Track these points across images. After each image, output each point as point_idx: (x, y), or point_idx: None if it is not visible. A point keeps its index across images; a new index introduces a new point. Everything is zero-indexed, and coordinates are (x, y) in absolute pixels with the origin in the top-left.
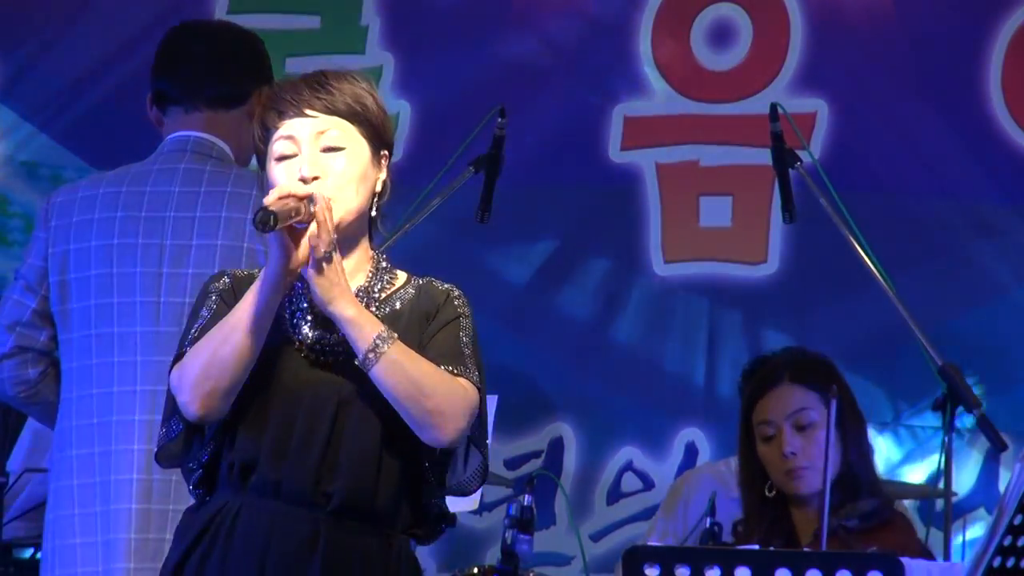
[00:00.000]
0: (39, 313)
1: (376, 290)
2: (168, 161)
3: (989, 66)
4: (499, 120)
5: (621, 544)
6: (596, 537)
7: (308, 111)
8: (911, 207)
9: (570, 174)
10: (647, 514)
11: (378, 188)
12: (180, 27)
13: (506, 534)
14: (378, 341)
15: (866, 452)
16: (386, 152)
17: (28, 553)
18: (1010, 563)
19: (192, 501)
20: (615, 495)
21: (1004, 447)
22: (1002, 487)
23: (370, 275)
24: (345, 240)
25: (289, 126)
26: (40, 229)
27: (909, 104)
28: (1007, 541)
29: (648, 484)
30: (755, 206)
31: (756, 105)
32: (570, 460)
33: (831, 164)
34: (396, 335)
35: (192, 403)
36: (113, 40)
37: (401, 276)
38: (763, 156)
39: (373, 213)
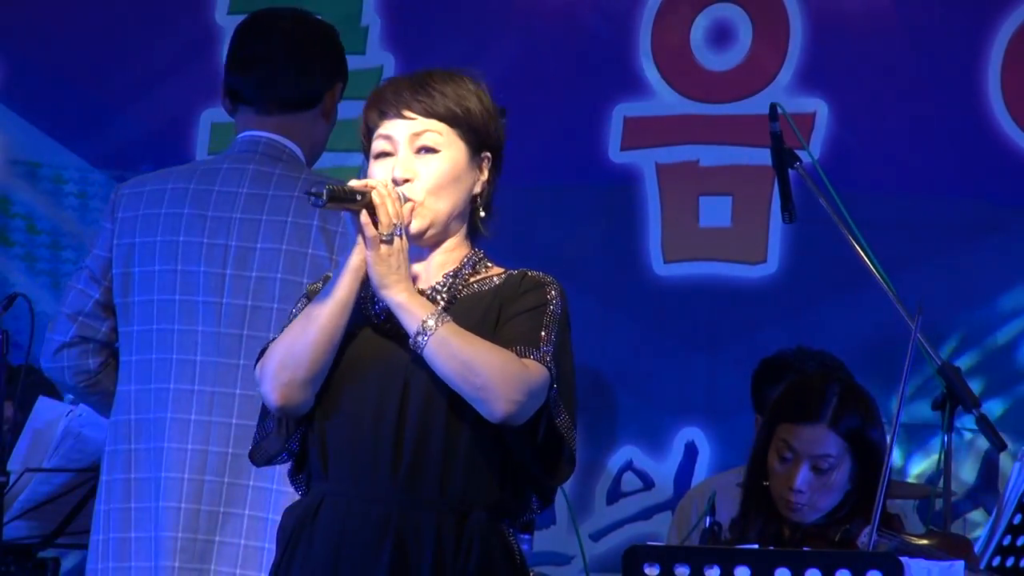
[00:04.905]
0: (102, 304)
1: (464, 275)
2: (238, 161)
3: (989, 66)
4: (499, 120)
5: (621, 544)
6: (596, 537)
7: (407, 112)
8: (911, 207)
9: (570, 174)
10: (647, 514)
11: (476, 190)
12: (253, 20)
13: None
14: (427, 323)
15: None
16: (488, 154)
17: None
18: (1009, 563)
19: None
20: (615, 495)
21: (1003, 447)
22: (1002, 487)
23: (461, 263)
24: (436, 238)
25: (388, 126)
26: (106, 220)
27: (909, 104)
28: (1007, 541)
29: (648, 483)
30: (755, 206)
31: (756, 105)
32: None
33: (831, 164)
34: (449, 318)
35: (271, 392)
36: (114, 40)
37: (496, 269)
38: (763, 156)
39: (482, 214)
